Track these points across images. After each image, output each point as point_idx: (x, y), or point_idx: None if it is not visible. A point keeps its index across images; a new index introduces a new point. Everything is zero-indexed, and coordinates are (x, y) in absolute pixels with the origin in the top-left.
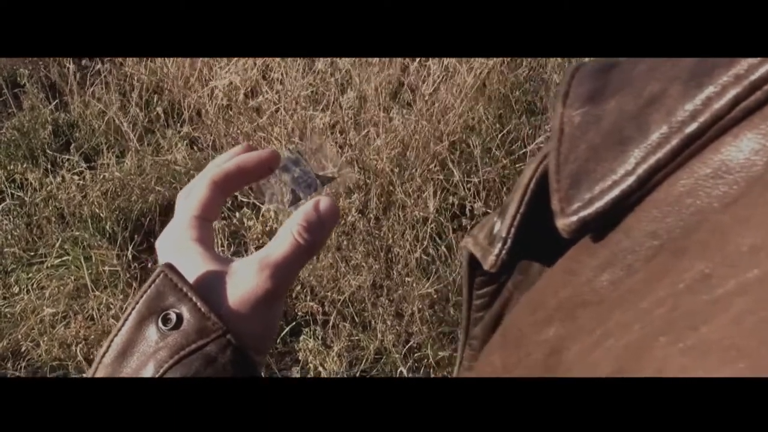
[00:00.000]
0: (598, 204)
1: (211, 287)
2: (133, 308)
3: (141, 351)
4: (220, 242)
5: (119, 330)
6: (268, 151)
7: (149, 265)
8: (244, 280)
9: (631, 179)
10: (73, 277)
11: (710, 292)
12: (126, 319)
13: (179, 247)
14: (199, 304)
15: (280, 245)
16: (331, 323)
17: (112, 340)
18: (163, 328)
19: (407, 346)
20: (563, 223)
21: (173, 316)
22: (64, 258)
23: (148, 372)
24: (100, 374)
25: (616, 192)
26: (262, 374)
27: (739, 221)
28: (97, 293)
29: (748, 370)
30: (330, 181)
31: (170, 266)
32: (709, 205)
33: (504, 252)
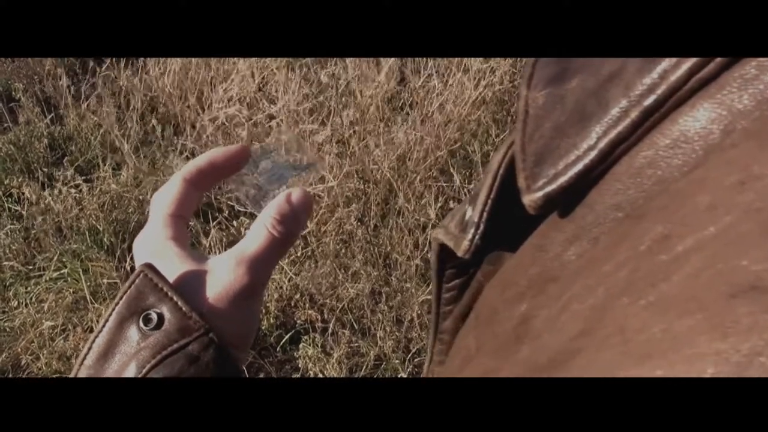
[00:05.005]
0: (563, 179)
1: (189, 286)
2: (113, 309)
3: (123, 352)
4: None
5: (100, 331)
6: (239, 146)
7: None
8: (222, 277)
9: (593, 153)
10: (71, 290)
11: (669, 252)
12: (106, 320)
13: (156, 247)
14: (180, 303)
15: (254, 240)
16: (330, 330)
17: (93, 342)
18: (145, 328)
19: (407, 352)
20: (529, 199)
21: (154, 316)
22: (63, 271)
23: (131, 372)
24: (82, 375)
25: (579, 166)
26: (246, 371)
27: (695, 183)
28: (96, 305)
29: (705, 321)
30: (300, 172)
31: (150, 266)
32: (670, 174)
33: (477, 237)
